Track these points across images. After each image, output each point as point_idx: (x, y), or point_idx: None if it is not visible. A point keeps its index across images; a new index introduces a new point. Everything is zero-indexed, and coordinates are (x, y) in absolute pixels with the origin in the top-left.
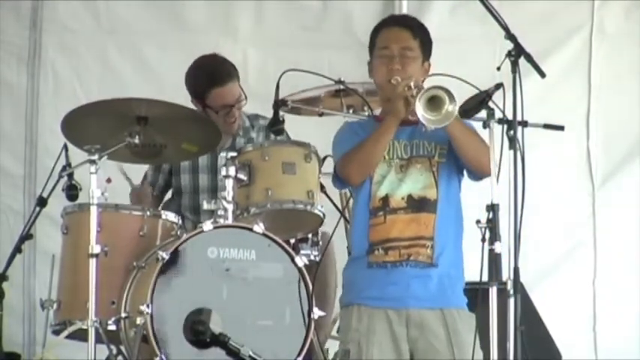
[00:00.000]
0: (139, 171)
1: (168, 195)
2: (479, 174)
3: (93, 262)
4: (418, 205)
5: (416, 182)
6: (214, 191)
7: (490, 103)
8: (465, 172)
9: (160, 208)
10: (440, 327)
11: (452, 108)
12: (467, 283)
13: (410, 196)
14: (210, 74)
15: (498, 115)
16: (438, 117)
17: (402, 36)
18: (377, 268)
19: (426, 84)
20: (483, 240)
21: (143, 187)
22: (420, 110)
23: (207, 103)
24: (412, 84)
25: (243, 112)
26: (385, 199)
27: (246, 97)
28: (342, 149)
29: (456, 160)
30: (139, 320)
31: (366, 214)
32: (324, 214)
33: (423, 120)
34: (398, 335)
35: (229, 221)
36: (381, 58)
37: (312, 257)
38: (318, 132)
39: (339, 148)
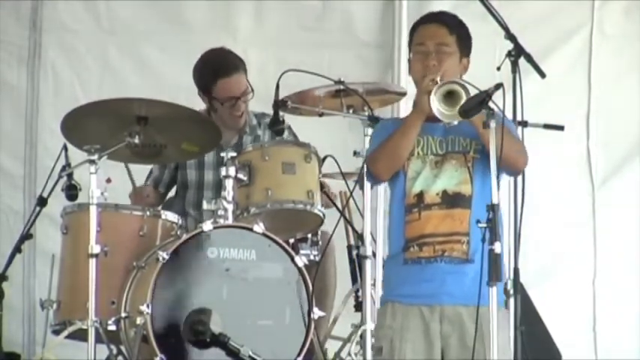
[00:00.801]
0: (142, 170)
1: (171, 193)
2: (511, 170)
3: (93, 262)
4: (452, 200)
5: (451, 178)
6: (219, 187)
7: (490, 103)
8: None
9: (162, 205)
10: (473, 324)
11: None
12: None
13: (445, 192)
14: (215, 66)
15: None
16: (453, 112)
17: (438, 32)
18: (412, 265)
19: None
20: (483, 240)
21: (144, 189)
22: (435, 104)
23: (214, 95)
24: (438, 79)
25: (251, 110)
26: (420, 196)
27: (252, 91)
28: (373, 146)
29: None
30: (139, 320)
31: (402, 211)
32: (324, 214)
33: (438, 114)
34: (431, 332)
35: (229, 221)
36: (417, 55)
37: (311, 257)
38: (318, 132)
39: (371, 145)
